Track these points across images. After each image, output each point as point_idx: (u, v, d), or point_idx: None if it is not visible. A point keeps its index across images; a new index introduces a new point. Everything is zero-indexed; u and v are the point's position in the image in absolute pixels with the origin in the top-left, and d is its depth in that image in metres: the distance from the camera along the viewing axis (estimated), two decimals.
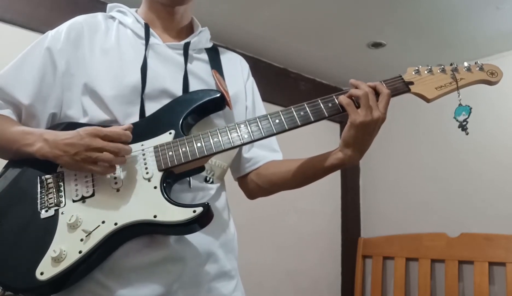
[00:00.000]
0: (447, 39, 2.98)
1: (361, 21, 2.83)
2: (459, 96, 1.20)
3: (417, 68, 1.21)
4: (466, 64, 1.23)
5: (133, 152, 1.10)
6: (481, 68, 1.23)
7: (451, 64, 1.23)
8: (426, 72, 1.21)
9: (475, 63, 1.24)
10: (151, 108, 1.17)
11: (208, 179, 1.22)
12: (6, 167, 1.17)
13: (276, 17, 2.80)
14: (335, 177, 3.77)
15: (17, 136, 1.12)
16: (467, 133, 1.19)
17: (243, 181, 1.39)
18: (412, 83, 1.19)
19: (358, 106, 1.11)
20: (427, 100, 1.19)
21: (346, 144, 1.13)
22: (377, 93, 1.14)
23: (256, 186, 1.36)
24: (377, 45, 3.11)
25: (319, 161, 1.21)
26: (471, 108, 1.20)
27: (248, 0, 2.61)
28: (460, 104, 1.21)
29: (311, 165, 1.24)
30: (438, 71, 1.21)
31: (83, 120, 1.17)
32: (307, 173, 1.25)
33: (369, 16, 2.76)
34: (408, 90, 1.18)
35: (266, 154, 1.36)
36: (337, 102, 1.14)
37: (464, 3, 2.57)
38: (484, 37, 2.94)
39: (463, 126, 1.20)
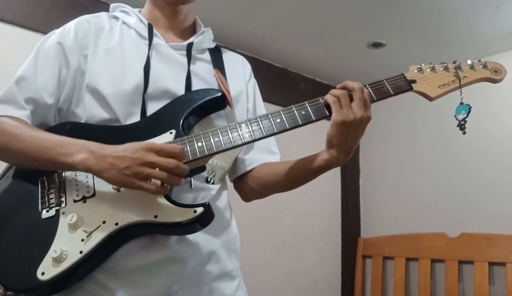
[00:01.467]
0: (447, 39, 2.98)
1: (361, 21, 2.83)
2: (461, 94, 1.18)
3: (419, 66, 1.20)
4: (469, 62, 1.21)
5: None
6: (485, 66, 1.21)
7: (454, 62, 1.22)
8: (428, 70, 1.19)
9: (479, 61, 1.22)
10: (153, 108, 1.17)
11: (209, 179, 1.22)
12: (8, 167, 1.16)
13: (276, 17, 2.80)
14: (335, 177, 3.77)
15: (52, 144, 1.06)
16: (464, 133, 1.19)
17: (238, 183, 1.39)
18: (414, 81, 1.17)
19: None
20: (430, 98, 1.18)
21: (330, 144, 1.12)
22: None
23: (250, 188, 1.35)
24: (377, 45, 3.11)
25: (307, 163, 1.20)
26: (470, 108, 1.19)
27: (248, 0, 2.62)
28: (461, 103, 1.20)
29: (299, 167, 1.23)
30: (441, 69, 1.20)
31: (85, 118, 1.16)
32: (297, 175, 1.24)
33: (369, 16, 2.76)
34: (411, 89, 1.17)
35: (260, 156, 1.35)
36: None
37: (464, 3, 2.57)
38: (484, 37, 2.94)
39: (461, 125, 1.19)
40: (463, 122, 1.19)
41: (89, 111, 1.16)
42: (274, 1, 2.62)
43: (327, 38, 3.06)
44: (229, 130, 1.11)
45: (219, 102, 1.20)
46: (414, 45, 3.07)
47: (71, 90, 1.18)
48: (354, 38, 3.04)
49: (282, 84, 3.46)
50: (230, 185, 1.37)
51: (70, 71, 1.18)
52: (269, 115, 1.13)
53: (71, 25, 1.24)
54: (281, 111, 1.13)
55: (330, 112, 1.11)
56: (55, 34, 1.22)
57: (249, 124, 1.12)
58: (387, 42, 3.07)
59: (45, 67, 1.17)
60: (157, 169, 0.99)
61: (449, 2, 2.56)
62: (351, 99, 1.10)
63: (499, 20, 2.74)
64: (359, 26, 2.89)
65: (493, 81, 1.21)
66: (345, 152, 1.12)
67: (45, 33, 2.31)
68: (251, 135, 1.11)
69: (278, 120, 1.12)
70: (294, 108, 1.13)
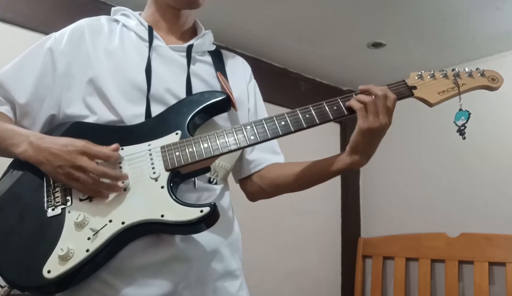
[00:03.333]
0: (447, 39, 2.98)
1: (361, 21, 2.83)
2: (460, 101, 1.22)
3: (420, 73, 1.23)
4: (467, 69, 1.25)
5: (140, 151, 1.11)
6: (483, 74, 1.25)
7: (453, 70, 1.25)
8: (428, 77, 1.23)
9: (477, 69, 1.26)
10: (156, 109, 1.18)
11: (212, 180, 1.23)
12: (12, 165, 1.17)
13: (276, 17, 2.80)
14: (335, 178, 3.73)
15: (5, 134, 1.12)
16: (464, 138, 1.22)
17: (245, 183, 1.40)
18: (415, 87, 1.21)
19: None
20: (430, 104, 1.21)
21: (354, 150, 1.15)
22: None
23: (259, 188, 1.36)
24: (377, 45, 3.11)
25: (326, 165, 1.22)
26: (470, 114, 1.23)
27: (248, 0, 2.62)
28: (460, 109, 1.23)
29: (318, 169, 1.25)
30: (441, 76, 1.23)
31: (91, 119, 1.17)
32: (313, 176, 1.26)
33: (369, 16, 2.76)
34: (412, 95, 1.21)
35: (268, 157, 1.37)
36: (342, 105, 1.15)
37: (464, 3, 2.57)
38: (484, 37, 2.94)
39: (461, 131, 1.23)
40: (462, 127, 1.23)
41: (97, 112, 1.17)
42: (274, 1, 2.62)
43: (327, 38, 3.06)
44: (234, 132, 1.13)
45: (224, 104, 1.22)
46: (414, 45, 3.07)
47: (58, 94, 1.19)
48: (354, 38, 3.04)
49: (282, 84, 3.46)
50: (231, 185, 1.38)
51: (56, 76, 1.20)
52: (274, 118, 1.15)
53: (68, 29, 1.25)
54: (286, 114, 1.15)
55: (338, 116, 1.14)
56: (50, 39, 1.24)
57: (254, 127, 1.14)
58: (387, 42, 3.07)
59: (26, 71, 1.20)
60: (88, 173, 1.04)
61: (449, 2, 2.57)
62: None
63: (499, 20, 2.74)
64: (359, 26, 2.89)
65: (491, 89, 1.25)
66: (367, 156, 1.17)
67: (45, 33, 2.30)
68: (256, 137, 1.13)
69: (283, 123, 1.14)
70: (298, 111, 1.15)
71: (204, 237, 1.15)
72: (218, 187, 1.25)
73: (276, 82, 3.40)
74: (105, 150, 1.07)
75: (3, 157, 1.18)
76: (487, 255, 3.00)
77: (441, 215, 3.32)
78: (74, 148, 1.04)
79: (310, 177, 1.26)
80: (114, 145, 1.08)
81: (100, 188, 1.05)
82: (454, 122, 1.23)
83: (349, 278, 3.69)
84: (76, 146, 1.04)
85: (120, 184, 1.07)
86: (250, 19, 2.83)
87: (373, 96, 1.13)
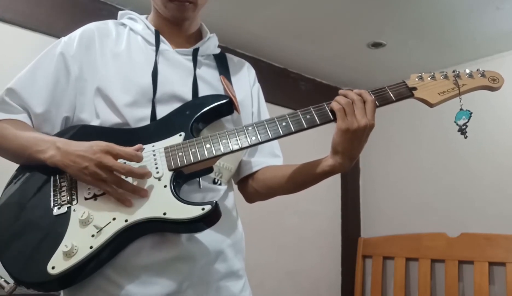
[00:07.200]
0: (447, 39, 2.99)
1: (361, 21, 2.84)
2: (460, 101, 1.22)
3: (420, 74, 1.24)
4: (467, 70, 1.25)
5: (144, 152, 1.12)
6: (483, 75, 1.25)
7: (453, 71, 1.26)
8: (429, 78, 1.24)
9: (477, 69, 1.27)
10: (161, 112, 1.19)
11: (216, 180, 1.24)
12: (21, 168, 1.18)
13: (276, 17, 2.81)
14: (335, 177, 3.76)
15: (29, 142, 1.13)
16: (465, 137, 1.23)
17: (242, 184, 1.42)
18: (415, 88, 1.21)
19: None
20: (430, 105, 1.22)
21: (335, 151, 1.15)
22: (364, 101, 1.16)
23: (254, 190, 1.37)
24: (377, 45, 3.12)
25: (311, 167, 1.22)
26: (471, 113, 1.23)
27: (248, 0, 2.62)
28: (461, 109, 1.24)
29: (304, 171, 1.26)
30: (441, 77, 1.24)
31: (95, 122, 1.19)
32: (300, 179, 1.27)
33: (369, 16, 2.77)
34: (412, 95, 1.21)
35: (264, 159, 1.38)
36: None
37: (464, 3, 2.58)
38: (484, 37, 2.95)
39: (462, 130, 1.23)
40: (464, 127, 1.23)
41: (101, 116, 1.18)
42: (274, 1, 2.62)
43: (327, 38, 3.07)
44: (236, 133, 1.15)
45: (227, 107, 1.24)
46: (414, 45, 3.08)
47: (73, 98, 1.21)
48: (354, 38, 3.05)
49: (282, 84, 3.47)
50: (234, 186, 1.39)
51: (70, 80, 1.21)
52: (275, 119, 1.16)
53: (77, 33, 1.26)
54: (287, 115, 1.16)
55: (335, 117, 1.14)
56: (60, 44, 1.25)
57: (255, 128, 1.15)
58: (387, 42, 3.08)
59: (40, 78, 1.20)
60: (114, 172, 1.05)
61: (449, 2, 2.57)
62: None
63: (499, 20, 2.75)
64: (359, 26, 2.90)
65: (491, 89, 1.26)
66: (349, 159, 1.16)
67: (45, 33, 2.31)
68: (258, 138, 1.14)
69: (284, 123, 1.15)
70: (299, 112, 1.17)
71: (209, 237, 1.16)
72: (223, 188, 1.26)
73: (276, 82, 3.41)
74: (128, 149, 1.07)
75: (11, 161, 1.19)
76: (487, 255, 3.01)
77: (441, 215, 3.33)
78: (98, 147, 1.05)
79: (299, 179, 1.27)
80: (137, 146, 1.09)
81: (126, 187, 1.06)
82: (455, 122, 1.24)
83: (349, 278, 3.70)
84: (100, 145, 1.05)
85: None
86: (250, 19, 2.84)
87: (352, 98, 1.14)
